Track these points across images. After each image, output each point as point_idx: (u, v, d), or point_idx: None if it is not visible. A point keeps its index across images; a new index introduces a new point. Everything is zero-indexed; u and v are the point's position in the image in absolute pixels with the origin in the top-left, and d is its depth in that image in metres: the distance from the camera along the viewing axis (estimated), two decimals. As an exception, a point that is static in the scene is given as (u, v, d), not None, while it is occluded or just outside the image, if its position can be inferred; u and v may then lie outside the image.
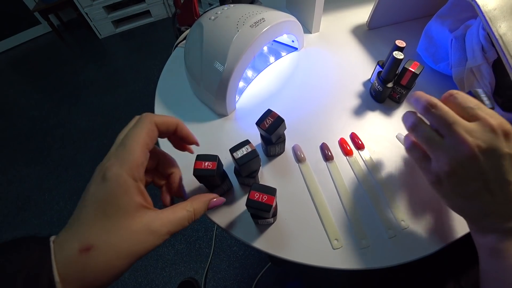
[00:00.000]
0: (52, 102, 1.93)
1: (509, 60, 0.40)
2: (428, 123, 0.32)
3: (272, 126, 0.35)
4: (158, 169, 0.34)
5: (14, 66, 2.32)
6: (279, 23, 0.46)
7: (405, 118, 0.34)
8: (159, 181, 0.34)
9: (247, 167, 0.34)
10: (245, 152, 0.33)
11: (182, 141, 0.34)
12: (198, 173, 0.32)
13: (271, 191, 0.30)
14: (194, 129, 0.48)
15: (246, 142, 0.33)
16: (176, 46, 0.66)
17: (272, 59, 0.58)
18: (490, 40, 0.42)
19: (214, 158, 0.33)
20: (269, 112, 0.36)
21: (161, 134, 0.30)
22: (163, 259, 1.19)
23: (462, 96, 0.31)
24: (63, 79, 2.09)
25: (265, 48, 0.60)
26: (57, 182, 1.49)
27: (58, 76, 2.13)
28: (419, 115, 0.33)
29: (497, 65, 0.44)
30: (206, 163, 0.32)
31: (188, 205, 0.29)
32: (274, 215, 0.36)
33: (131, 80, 1.97)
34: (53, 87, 2.05)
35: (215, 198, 0.32)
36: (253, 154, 0.33)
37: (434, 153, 0.30)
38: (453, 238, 0.36)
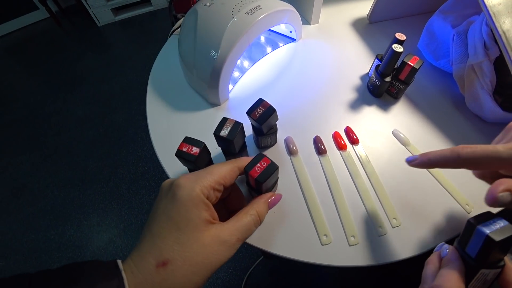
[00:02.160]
0: (48, 89, 1.91)
1: (511, 57, 0.39)
2: None
3: (263, 116, 0.34)
4: (225, 203, 0.34)
5: (11, 52, 2.28)
6: (276, 11, 0.45)
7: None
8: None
9: (238, 141, 0.34)
10: (229, 128, 0.32)
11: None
12: (179, 155, 0.31)
13: (199, 144, 0.31)
14: (186, 118, 0.47)
15: (224, 120, 0.33)
16: (172, 33, 0.64)
17: (269, 49, 0.56)
18: (493, 37, 0.41)
19: (200, 144, 0.32)
20: (260, 101, 0.35)
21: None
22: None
23: None
24: (60, 66, 2.06)
25: (262, 38, 0.58)
26: (52, 170, 1.47)
27: (55, 63, 2.10)
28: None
29: (499, 63, 0.42)
30: (190, 148, 0.31)
31: (250, 209, 0.29)
32: (271, 189, 0.34)
33: (129, 69, 1.95)
34: (50, 74, 2.02)
35: (272, 196, 0.32)
36: (237, 125, 0.33)
37: None
38: (444, 239, 0.35)
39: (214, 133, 0.33)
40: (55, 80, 1.96)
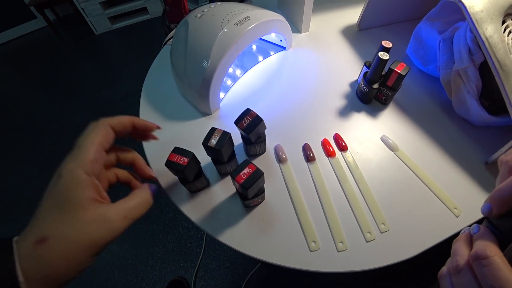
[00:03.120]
0: (46, 97, 1.92)
1: (495, 63, 0.40)
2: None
3: (250, 126, 0.34)
4: (120, 162, 0.34)
5: (9, 60, 2.30)
6: (265, 21, 0.46)
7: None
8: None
9: (226, 150, 0.34)
10: (217, 138, 0.33)
11: (143, 133, 0.35)
12: (169, 165, 0.32)
13: (188, 154, 0.32)
14: (178, 127, 0.47)
15: (212, 130, 0.34)
16: (165, 43, 0.65)
17: (260, 58, 0.57)
18: (477, 43, 0.42)
19: (189, 154, 0.33)
20: (247, 111, 0.35)
21: (119, 134, 0.31)
22: (153, 258, 1.18)
23: None
24: (57, 74, 2.07)
25: (254, 47, 0.59)
26: (49, 179, 1.47)
27: (52, 71, 2.11)
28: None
29: (484, 68, 0.43)
30: (180, 157, 0.32)
31: (140, 191, 0.30)
32: (258, 195, 0.35)
33: (126, 77, 1.96)
34: (47, 82, 2.03)
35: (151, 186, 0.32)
36: (225, 135, 0.33)
37: None
38: (433, 243, 0.35)
39: (203, 143, 0.34)
40: (52, 89, 1.97)
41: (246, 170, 0.30)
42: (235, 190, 0.37)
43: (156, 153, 0.44)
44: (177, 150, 0.33)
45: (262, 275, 1.09)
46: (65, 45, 2.38)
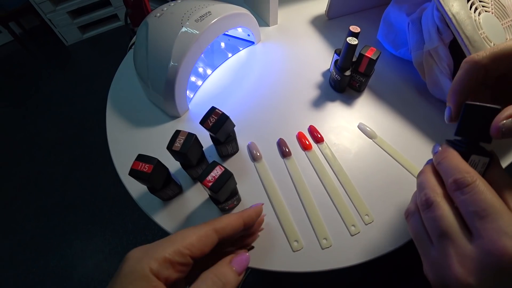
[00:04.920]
0: (18, 114, 1.83)
1: (463, 39, 0.39)
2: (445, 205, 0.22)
3: (216, 125, 0.32)
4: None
5: (-25, 79, 2.19)
6: (227, 16, 0.44)
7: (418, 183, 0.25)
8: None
9: (193, 153, 0.33)
10: (182, 141, 0.31)
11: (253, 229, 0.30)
12: (133, 174, 0.30)
13: (152, 161, 0.30)
14: (146, 133, 0.45)
15: (177, 133, 0.32)
16: (130, 48, 0.62)
17: (229, 54, 0.55)
18: (445, 21, 0.41)
19: (153, 161, 0.30)
20: (212, 110, 0.33)
21: (225, 239, 0.25)
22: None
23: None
24: (28, 90, 1.99)
25: (223, 44, 0.57)
26: (28, 200, 1.41)
27: (22, 87, 2.02)
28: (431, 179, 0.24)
29: (454, 46, 0.42)
30: (144, 165, 0.30)
31: (207, 275, 0.22)
32: (231, 197, 0.33)
33: (100, 87, 1.89)
34: (18, 98, 1.94)
35: (236, 256, 0.25)
36: (190, 137, 0.31)
37: (452, 255, 0.20)
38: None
39: (167, 148, 0.31)
40: (24, 105, 1.89)
41: (214, 173, 0.28)
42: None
43: (125, 161, 0.42)
44: (141, 158, 0.31)
45: (257, 277, 1.07)
46: (34, 58, 2.29)
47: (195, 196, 0.38)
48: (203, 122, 0.33)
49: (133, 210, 1.31)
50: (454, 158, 0.22)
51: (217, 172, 0.28)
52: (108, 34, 2.36)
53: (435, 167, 0.24)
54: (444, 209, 0.21)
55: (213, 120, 0.32)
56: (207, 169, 0.29)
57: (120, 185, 0.39)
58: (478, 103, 0.22)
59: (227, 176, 0.28)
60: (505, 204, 0.19)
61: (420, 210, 0.23)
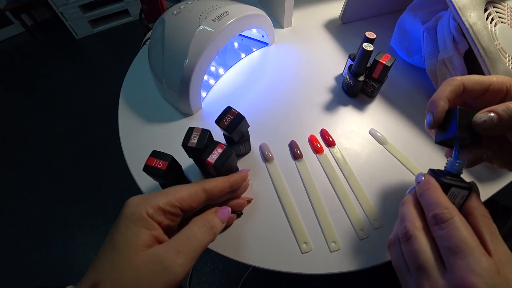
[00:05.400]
0: (26, 105, 1.85)
1: (480, 50, 0.39)
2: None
3: (232, 124, 0.33)
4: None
5: (-14, 69, 2.22)
6: (244, 16, 0.44)
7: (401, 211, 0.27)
8: None
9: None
10: (197, 137, 0.32)
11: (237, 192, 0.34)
12: (147, 170, 0.31)
13: (167, 158, 0.31)
14: (158, 130, 0.45)
15: (191, 130, 0.33)
16: (144, 44, 0.63)
17: (242, 55, 0.55)
18: (461, 31, 0.41)
19: (167, 157, 0.31)
20: (228, 110, 0.33)
21: (211, 199, 0.29)
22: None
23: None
24: (37, 81, 2.01)
25: (236, 44, 0.57)
26: (33, 190, 1.42)
27: (32, 78, 2.04)
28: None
29: (469, 56, 0.43)
30: (158, 161, 0.31)
31: (196, 219, 0.27)
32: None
33: (109, 81, 1.91)
34: (27, 90, 1.96)
35: (220, 209, 0.30)
36: (205, 133, 0.32)
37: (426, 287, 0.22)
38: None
39: (183, 145, 0.32)
40: (32, 96, 1.91)
41: (216, 150, 0.30)
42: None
43: (137, 157, 0.42)
44: (156, 154, 0.31)
45: (257, 276, 1.07)
46: (44, 51, 2.31)
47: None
48: (218, 121, 0.33)
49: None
50: (435, 191, 0.24)
51: (219, 150, 0.30)
52: (118, 29, 2.38)
53: (417, 197, 0.26)
54: (422, 243, 0.23)
55: (228, 119, 0.33)
56: (209, 149, 0.31)
57: (124, 178, 0.40)
58: (467, 108, 0.25)
59: (229, 152, 0.30)
60: (479, 237, 0.21)
61: (400, 241, 0.25)
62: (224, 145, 0.30)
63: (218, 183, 0.29)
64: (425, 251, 0.22)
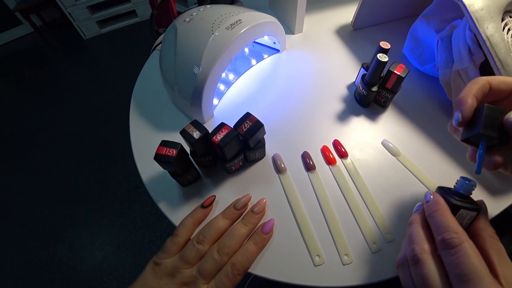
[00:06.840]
0: (34, 105, 1.87)
1: (496, 63, 0.39)
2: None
3: (250, 131, 0.33)
4: None
5: (-5, 68, 2.25)
6: (257, 24, 0.44)
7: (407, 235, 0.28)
8: None
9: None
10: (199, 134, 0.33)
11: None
12: (158, 158, 0.32)
13: (176, 146, 0.33)
14: (169, 137, 0.45)
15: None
16: (154, 49, 0.63)
17: (254, 61, 0.55)
18: (477, 42, 0.41)
19: (176, 145, 0.33)
20: (247, 116, 0.34)
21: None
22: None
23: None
24: (46, 81, 2.03)
25: (247, 50, 0.57)
26: (40, 189, 1.44)
27: (40, 78, 2.06)
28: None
29: (485, 68, 0.42)
30: (168, 150, 0.32)
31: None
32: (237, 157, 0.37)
33: (116, 82, 1.92)
34: (35, 90, 1.99)
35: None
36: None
37: None
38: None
39: (179, 132, 0.34)
40: (41, 96, 1.93)
41: (221, 131, 0.33)
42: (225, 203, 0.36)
43: (147, 163, 0.43)
44: (165, 143, 0.33)
45: (262, 280, 1.07)
46: (53, 51, 2.34)
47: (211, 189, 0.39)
48: (237, 126, 0.33)
49: (143, 206, 1.32)
50: (444, 213, 0.25)
51: (224, 130, 0.32)
52: (125, 29, 2.40)
53: (426, 217, 0.26)
54: (430, 268, 0.23)
55: (247, 125, 0.33)
56: (214, 130, 0.33)
57: (131, 179, 0.41)
58: (494, 106, 0.25)
59: (233, 133, 0.32)
60: (487, 259, 0.21)
61: (409, 264, 0.25)
62: (229, 126, 0.33)
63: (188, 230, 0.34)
64: (433, 276, 0.22)
